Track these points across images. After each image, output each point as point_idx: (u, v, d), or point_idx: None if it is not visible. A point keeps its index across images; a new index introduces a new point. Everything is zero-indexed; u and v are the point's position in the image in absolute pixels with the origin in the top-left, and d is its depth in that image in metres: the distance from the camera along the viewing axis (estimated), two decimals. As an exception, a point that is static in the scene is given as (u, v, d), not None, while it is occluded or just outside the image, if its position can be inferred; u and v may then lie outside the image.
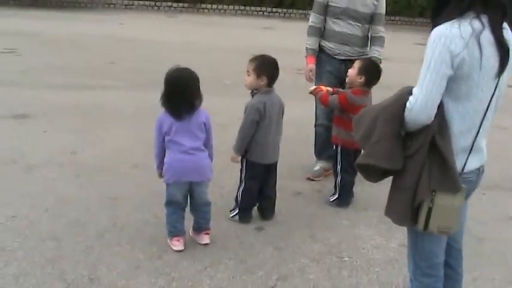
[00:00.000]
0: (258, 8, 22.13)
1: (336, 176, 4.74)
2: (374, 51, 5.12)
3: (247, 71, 4.16)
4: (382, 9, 5.17)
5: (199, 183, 3.76)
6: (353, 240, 4.12)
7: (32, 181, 4.84)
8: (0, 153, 5.44)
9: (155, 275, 3.48)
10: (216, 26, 17.49)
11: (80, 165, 5.27)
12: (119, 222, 4.16)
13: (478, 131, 2.41)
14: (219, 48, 12.92)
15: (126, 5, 21.45)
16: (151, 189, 4.56)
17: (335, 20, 5.10)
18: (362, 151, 2.54)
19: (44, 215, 4.21)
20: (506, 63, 2.35)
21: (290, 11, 22.23)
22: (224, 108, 7.08)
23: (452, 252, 2.73)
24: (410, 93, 2.34)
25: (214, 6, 21.86)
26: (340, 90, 4.79)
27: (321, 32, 5.21)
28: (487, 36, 2.28)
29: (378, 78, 4.66)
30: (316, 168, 5.37)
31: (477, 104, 2.36)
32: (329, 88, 4.77)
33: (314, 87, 4.79)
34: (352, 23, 5.06)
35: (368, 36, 5.22)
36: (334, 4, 5.08)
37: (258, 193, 4.34)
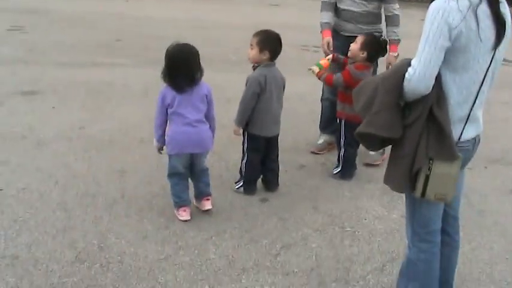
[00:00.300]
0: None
1: (339, 149, 4.82)
2: (391, 33, 5.13)
3: (251, 45, 4.23)
4: None
5: (200, 154, 3.88)
6: (355, 211, 4.22)
7: (42, 156, 4.95)
8: (11, 129, 5.55)
9: (162, 243, 3.59)
10: (222, 3, 17.46)
11: (88, 140, 5.38)
12: (127, 194, 4.27)
13: (475, 101, 2.48)
14: (226, 25, 12.96)
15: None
16: (159, 162, 4.65)
17: None
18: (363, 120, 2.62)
19: (54, 187, 4.33)
20: (503, 36, 2.41)
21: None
22: (230, 83, 7.12)
23: (449, 220, 2.82)
24: (409, 65, 2.42)
25: (221, -18, 21.78)
26: (340, 56, 4.87)
27: (333, 7, 5.22)
28: (484, 9, 2.34)
29: (381, 53, 4.72)
30: (320, 141, 5.45)
31: (474, 75, 2.43)
32: (329, 56, 4.83)
33: (316, 68, 4.79)
34: (357, 0, 5.06)
35: (377, 14, 5.19)
36: None
37: (261, 165, 4.44)
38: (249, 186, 4.40)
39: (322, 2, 5.26)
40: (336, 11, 5.21)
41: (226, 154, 5.05)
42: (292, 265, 3.44)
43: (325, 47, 5.09)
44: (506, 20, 2.39)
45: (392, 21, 5.15)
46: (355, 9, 5.09)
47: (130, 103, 6.61)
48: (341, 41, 5.15)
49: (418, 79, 2.36)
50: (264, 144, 4.38)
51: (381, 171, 4.47)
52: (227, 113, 5.13)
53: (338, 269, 3.43)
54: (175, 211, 3.96)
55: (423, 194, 2.47)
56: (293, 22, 13.16)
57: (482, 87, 2.47)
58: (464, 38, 2.33)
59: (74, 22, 12.11)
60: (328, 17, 5.21)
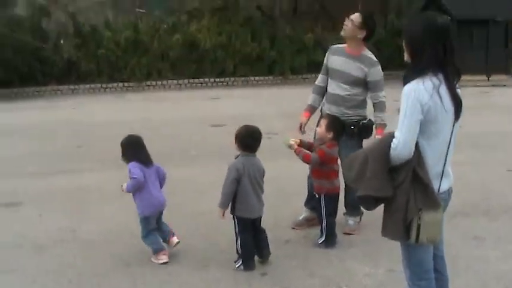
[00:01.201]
0: (202, 80, 23.06)
1: (321, 221, 5.38)
2: (377, 118, 5.59)
3: (235, 138, 4.86)
4: (377, 75, 5.50)
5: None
6: (346, 272, 4.77)
7: (45, 259, 5.28)
8: (4, 240, 5.84)
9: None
10: (166, 101, 18.22)
11: (84, 240, 5.74)
12: (139, 283, 4.66)
13: (445, 160, 3.18)
14: (177, 122, 13.59)
15: (73, 90, 22.01)
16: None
17: (331, 80, 5.68)
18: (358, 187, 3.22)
19: (68, 285, 4.67)
20: (460, 112, 3.17)
21: (233, 79, 23.26)
22: (196, 177, 7.68)
23: (438, 260, 3.44)
24: (393, 137, 3.08)
25: (159, 82, 22.72)
26: (305, 142, 5.43)
27: (321, 90, 5.79)
28: (444, 89, 3.08)
29: (343, 132, 5.39)
30: (300, 218, 5.97)
31: (442, 140, 3.15)
32: (297, 140, 5.35)
33: (293, 143, 5.35)
34: (342, 85, 5.51)
35: (362, 100, 5.60)
36: (331, 66, 5.68)
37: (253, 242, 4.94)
38: (248, 263, 4.87)
39: (314, 84, 5.90)
40: (326, 93, 5.78)
41: (215, 237, 5.56)
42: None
43: (299, 127, 5.71)
44: (461, 98, 3.15)
45: (378, 107, 5.56)
46: (340, 93, 5.54)
47: (111, 204, 6.99)
48: None
49: (402, 147, 3.03)
50: (251, 224, 4.90)
51: (359, 237, 5.14)
52: (205, 201, 5.65)
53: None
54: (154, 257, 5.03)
55: (417, 239, 3.07)
56: (244, 112, 13.91)
57: (450, 147, 3.18)
58: (433, 111, 3.04)
59: (30, 133, 12.46)
60: (312, 98, 5.83)
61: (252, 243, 4.92)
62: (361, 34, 5.51)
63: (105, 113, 15.53)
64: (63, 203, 7.09)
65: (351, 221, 5.77)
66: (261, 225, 5.02)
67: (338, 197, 5.41)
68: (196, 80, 23.01)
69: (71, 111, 16.35)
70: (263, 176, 4.98)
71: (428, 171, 3.10)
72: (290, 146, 5.30)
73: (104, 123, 13.61)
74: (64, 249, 5.52)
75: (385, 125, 5.52)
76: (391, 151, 3.07)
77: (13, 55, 20.56)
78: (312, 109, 5.90)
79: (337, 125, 5.31)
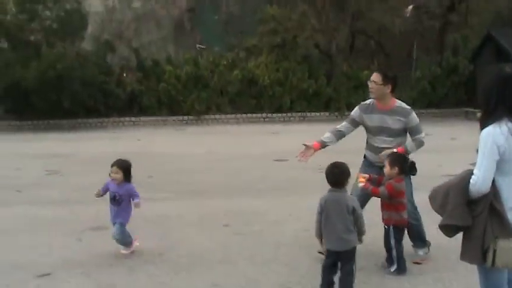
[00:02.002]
0: (259, 114, 23.57)
1: (390, 251, 5.65)
2: (405, 146, 5.92)
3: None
4: (414, 122, 5.88)
5: None
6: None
7: (137, 278, 5.67)
8: (98, 260, 6.25)
9: None
10: (226, 135, 18.75)
11: (172, 263, 6.11)
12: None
13: None
14: (240, 155, 14.00)
15: (134, 122, 22.82)
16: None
17: (373, 136, 6.03)
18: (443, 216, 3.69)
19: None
20: None
21: (290, 114, 23.71)
22: (267, 210, 8.14)
23: (510, 283, 3.82)
24: (471, 174, 3.54)
25: (218, 116, 23.31)
26: (375, 176, 5.75)
27: (339, 135, 6.14)
28: None
29: (408, 165, 5.64)
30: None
31: None
32: (366, 176, 5.68)
33: (363, 183, 5.59)
34: (387, 138, 5.86)
35: (404, 142, 5.99)
36: (369, 124, 6.02)
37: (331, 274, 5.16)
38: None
39: (335, 127, 6.22)
40: (369, 147, 6.10)
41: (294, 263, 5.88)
42: None
43: (302, 151, 6.06)
44: None
45: (416, 145, 5.93)
46: (386, 146, 5.86)
47: (195, 230, 7.38)
48: (376, 170, 5.93)
49: (481, 183, 3.50)
50: (334, 255, 5.08)
51: (427, 266, 5.41)
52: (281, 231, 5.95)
53: None
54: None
55: (493, 263, 3.50)
56: (302, 147, 14.22)
57: None
58: (508, 152, 3.48)
59: (100, 163, 13.01)
60: (328, 136, 6.14)
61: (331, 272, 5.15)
62: (388, 89, 5.87)
63: (168, 145, 16.10)
64: (147, 228, 7.48)
65: (421, 251, 6.08)
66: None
67: (405, 228, 5.74)
68: (254, 115, 23.56)
69: (135, 143, 16.98)
70: (350, 212, 5.07)
71: (504, 204, 3.51)
72: (360, 182, 5.62)
73: (169, 155, 14.15)
74: (154, 269, 5.90)
75: (408, 152, 5.88)
76: (471, 186, 3.53)
77: (80, 88, 21.52)
78: (322, 144, 6.15)
79: (400, 160, 5.59)
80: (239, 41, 26.14)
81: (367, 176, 5.71)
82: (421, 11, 25.29)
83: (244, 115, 23.50)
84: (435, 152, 10.35)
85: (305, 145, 6.17)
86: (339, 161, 5.22)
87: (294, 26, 24.08)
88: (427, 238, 6.06)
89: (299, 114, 23.77)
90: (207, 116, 23.33)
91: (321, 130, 6.37)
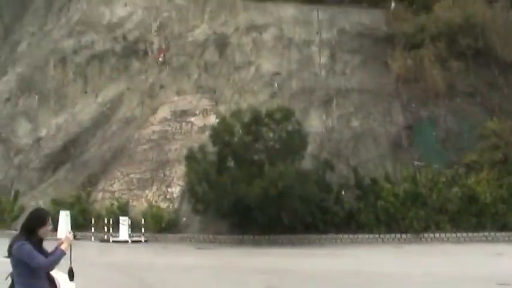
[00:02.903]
0: (482, 234, 22.44)
1: None
2: None
3: None
4: None
5: None
6: None
7: None
8: None
9: None
10: (444, 255, 18.09)
11: None
12: None
13: None
14: (459, 278, 13.38)
15: (352, 239, 23.09)
16: None
17: None
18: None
19: None
20: None
21: (516, 233, 22.24)
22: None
23: None
24: None
25: (437, 234, 22.66)
26: None
27: None
28: None
29: None
30: None
31: None
32: None
33: None
34: None
35: None
36: None
37: None
38: None
39: None
40: None
41: None
42: None
43: None
44: None
45: None
46: None
47: None
48: None
49: None
50: None
51: None
52: None
53: None
54: None
55: None
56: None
57: None
58: None
59: (319, 280, 13.45)
60: None
61: None
62: None
63: (385, 264, 15.99)
64: None
65: None
66: None
67: None
68: (476, 234, 22.45)
69: (353, 260, 17.15)
70: None
71: None
72: None
73: (386, 274, 14.05)
74: None
75: None
76: None
77: (299, 205, 22.53)
78: None
79: None
80: (458, 157, 25.56)
81: None
82: None
83: (464, 234, 22.52)
84: None
85: None
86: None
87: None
88: None
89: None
90: (425, 235, 22.80)
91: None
